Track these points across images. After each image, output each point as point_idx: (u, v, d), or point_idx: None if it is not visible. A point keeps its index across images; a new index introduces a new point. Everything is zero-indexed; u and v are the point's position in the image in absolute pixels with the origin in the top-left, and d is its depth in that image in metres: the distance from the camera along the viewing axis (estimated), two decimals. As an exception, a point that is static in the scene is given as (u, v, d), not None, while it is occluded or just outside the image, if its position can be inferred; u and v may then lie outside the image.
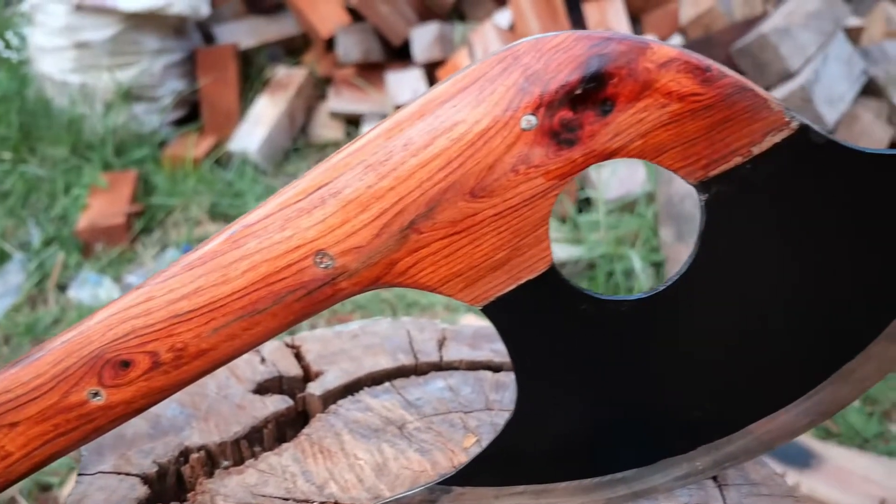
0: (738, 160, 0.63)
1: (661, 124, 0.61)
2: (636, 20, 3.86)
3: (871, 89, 3.38)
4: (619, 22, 3.71)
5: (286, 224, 0.64)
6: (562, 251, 2.89)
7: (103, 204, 3.24)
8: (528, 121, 0.60)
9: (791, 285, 0.68)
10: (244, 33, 4.18)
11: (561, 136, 0.61)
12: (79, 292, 2.87)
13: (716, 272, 0.67)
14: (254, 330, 0.67)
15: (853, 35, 3.53)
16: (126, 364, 0.68)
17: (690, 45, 3.44)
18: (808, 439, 2.25)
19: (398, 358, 0.97)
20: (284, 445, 0.84)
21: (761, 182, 0.63)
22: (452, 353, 0.99)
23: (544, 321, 0.68)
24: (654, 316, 0.68)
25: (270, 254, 0.64)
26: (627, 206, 3.00)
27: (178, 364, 0.68)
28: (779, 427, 0.73)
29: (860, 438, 2.31)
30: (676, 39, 3.60)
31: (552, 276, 0.67)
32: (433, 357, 0.98)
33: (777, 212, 0.65)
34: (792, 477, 2.12)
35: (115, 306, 0.67)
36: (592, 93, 0.60)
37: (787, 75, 3.19)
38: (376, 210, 0.63)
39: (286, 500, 0.77)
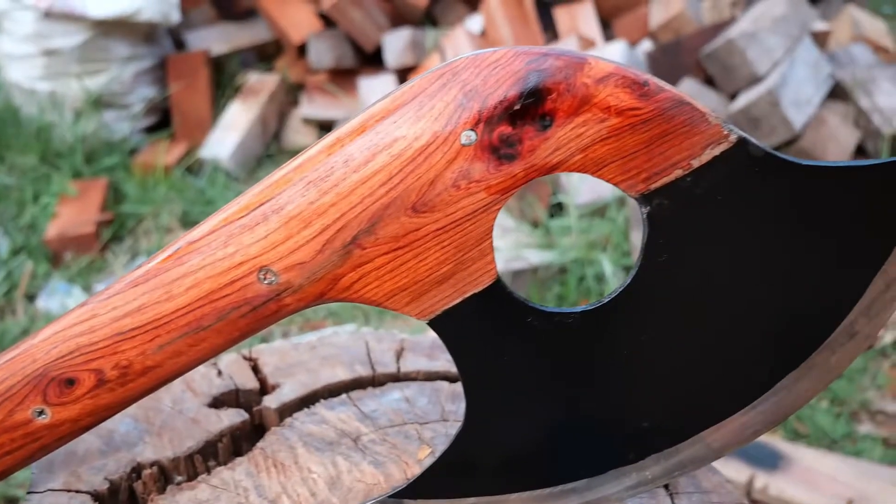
0: (678, 173, 0.63)
1: (600, 139, 0.61)
2: (607, 25, 3.88)
3: (837, 93, 3.41)
4: (590, 27, 3.73)
5: (229, 241, 0.64)
6: (534, 256, 2.90)
7: (73, 212, 3.21)
8: (468, 136, 0.60)
9: (734, 295, 0.68)
10: (215, 39, 4.16)
11: (501, 152, 0.61)
12: (48, 302, 2.85)
13: (659, 283, 0.67)
14: (199, 346, 0.67)
15: (820, 39, 3.57)
16: (71, 382, 0.67)
17: (660, 49, 3.46)
18: (776, 441, 2.27)
19: (355, 369, 0.97)
20: (238, 460, 0.84)
21: (702, 194, 0.64)
22: (410, 364, 0.99)
23: (491, 334, 0.69)
24: (600, 327, 0.69)
25: (214, 270, 0.64)
26: (599, 211, 3.01)
27: (123, 381, 0.68)
28: (726, 435, 0.73)
29: (828, 439, 2.34)
30: (647, 44, 3.63)
31: (497, 290, 0.67)
32: (391, 368, 0.98)
33: (718, 223, 0.65)
34: (760, 479, 2.14)
35: (60, 324, 0.67)
36: (531, 108, 0.60)
37: (755, 79, 3.22)
38: (318, 226, 0.63)
39: (238, 515, 0.76)
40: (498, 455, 0.73)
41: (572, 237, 2.93)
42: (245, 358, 0.99)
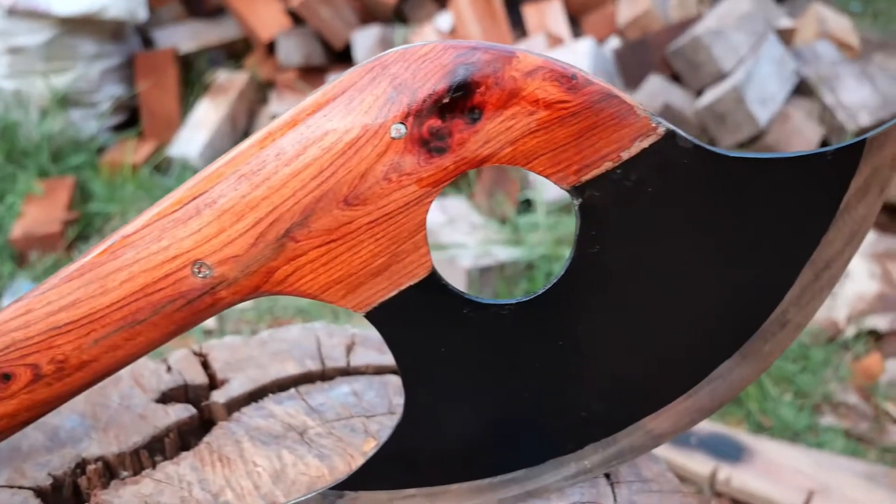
0: (608, 165, 0.64)
1: (529, 131, 0.62)
2: (575, 22, 3.89)
3: (802, 89, 3.45)
4: (558, 24, 3.75)
5: (163, 234, 0.64)
6: (501, 253, 2.91)
7: (38, 212, 3.19)
8: (398, 129, 0.61)
9: (667, 286, 0.69)
10: (184, 37, 4.14)
11: (431, 145, 0.62)
12: (13, 302, 2.82)
13: (592, 274, 0.68)
14: (136, 340, 0.67)
15: (786, 36, 3.60)
16: (7, 377, 0.67)
17: (627, 46, 3.48)
18: (739, 433, 2.30)
19: (305, 364, 0.98)
20: (183, 454, 0.84)
21: (632, 186, 0.65)
22: (360, 358, 0.99)
23: (428, 326, 0.69)
24: (536, 318, 0.70)
25: (148, 264, 0.64)
26: (566, 208, 3.03)
27: (60, 376, 0.68)
28: (663, 424, 0.74)
29: (791, 432, 2.36)
30: (614, 41, 3.65)
31: (433, 282, 0.67)
32: (340, 363, 0.99)
33: (649, 214, 0.66)
34: (724, 471, 2.16)
35: (-6, 320, 0.67)
36: (460, 101, 0.61)
37: (721, 76, 3.24)
38: (251, 219, 0.63)
39: (180, 509, 0.77)
40: (437, 446, 0.74)
41: (540, 233, 2.94)
42: (195, 354, 0.99)
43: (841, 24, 4.05)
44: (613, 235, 0.67)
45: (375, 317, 0.68)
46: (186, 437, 0.89)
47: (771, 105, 3.21)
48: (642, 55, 3.43)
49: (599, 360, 0.72)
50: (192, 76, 4.07)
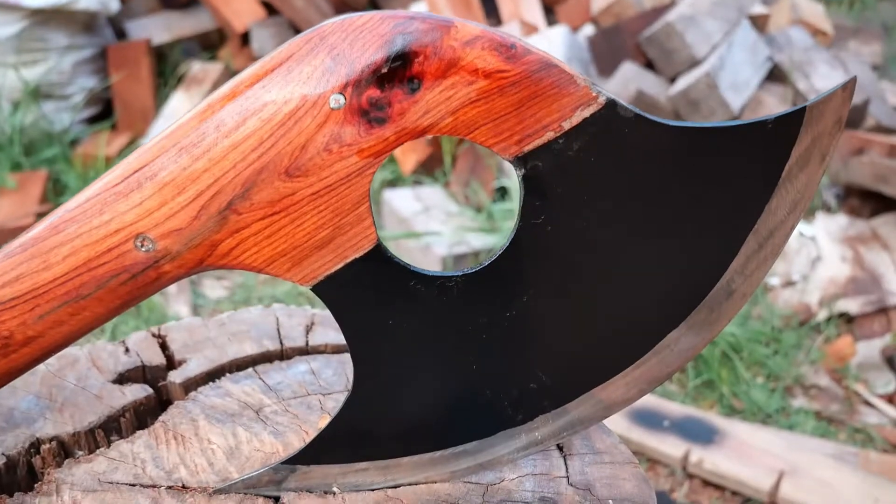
0: (550, 135, 0.65)
1: (469, 101, 0.62)
2: (550, 11, 3.90)
3: (775, 75, 3.47)
4: (533, 13, 3.75)
5: (104, 208, 0.64)
6: (476, 240, 2.91)
7: (11, 205, 3.17)
8: (337, 100, 0.61)
9: (613, 255, 0.70)
10: (157, 28, 4.12)
11: (371, 115, 0.62)
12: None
13: (537, 244, 0.68)
14: (81, 315, 0.67)
15: (759, 22, 3.62)
16: (-48, 354, 0.67)
17: (600, 34, 3.49)
18: (711, 416, 2.31)
19: (263, 344, 0.98)
20: (139, 433, 0.84)
21: (574, 156, 0.65)
22: (319, 337, 1.00)
23: (375, 299, 0.69)
24: (482, 290, 0.70)
25: (90, 238, 0.64)
26: (541, 194, 3.03)
27: (6, 352, 0.68)
28: (613, 394, 0.75)
29: (763, 414, 2.38)
30: (588, 29, 3.65)
31: (379, 254, 0.68)
32: (299, 342, 0.99)
33: (593, 184, 0.67)
34: (696, 453, 2.18)
35: (-61, 296, 0.67)
36: (399, 71, 0.61)
37: (694, 62, 3.26)
38: (193, 192, 0.63)
39: (133, 485, 0.76)
40: (388, 420, 0.74)
41: (515, 221, 2.94)
42: (154, 335, 0.99)
43: (814, 11, 4.07)
44: (557, 206, 0.67)
45: (322, 290, 0.69)
46: (143, 417, 0.89)
47: (744, 91, 3.23)
48: (616, 42, 3.44)
49: (547, 331, 0.72)
50: (165, 68, 4.05)
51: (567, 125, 0.64)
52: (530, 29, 3.64)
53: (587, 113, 0.64)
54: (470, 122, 0.63)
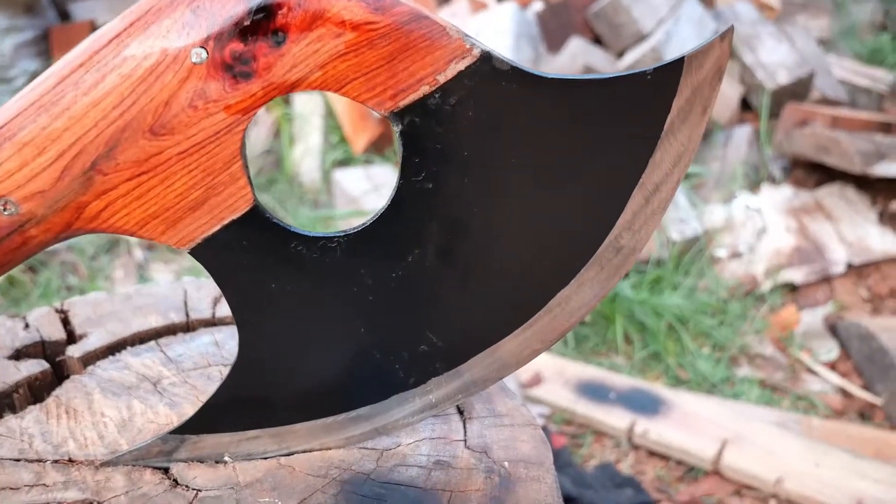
0: (425, 89, 0.63)
1: (338, 55, 0.61)
2: (499, -13, 3.88)
3: (722, 49, 3.47)
4: (482, -11, 3.73)
5: (-37, 171, 0.62)
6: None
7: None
8: (198, 54, 0.59)
9: (496, 212, 0.69)
10: (102, 10, 4.03)
11: (235, 69, 0.60)
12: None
13: (419, 202, 0.67)
14: (-53, 284, 0.65)
15: (706, -3, 3.63)
16: None
17: (549, 10, 3.48)
18: (657, 388, 2.33)
19: (169, 317, 0.96)
20: (29, 408, 0.82)
21: (452, 110, 0.64)
22: (227, 309, 0.98)
23: (255, 262, 0.68)
24: (366, 250, 0.69)
25: (-51, 203, 0.62)
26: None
27: None
28: (505, 356, 0.74)
29: (708, 384, 2.40)
30: (537, 5, 3.64)
31: (257, 215, 0.66)
32: (206, 314, 0.97)
33: (472, 139, 0.66)
34: (641, 424, 2.19)
35: None
36: (262, 24, 0.59)
37: (641, 37, 3.26)
38: (54, 152, 0.61)
39: (18, 460, 0.75)
40: (278, 385, 0.73)
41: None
42: (56, 310, 0.97)
43: (762, -15, 4.09)
44: (437, 162, 0.66)
45: (200, 254, 0.67)
46: (39, 392, 0.87)
47: (690, 65, 3.23)
48: (564, 18, 3.43)
49: (435, 292, 0.71)
50: (111, 50, 3.98)
51: (442, 79, 0.63)
52: (479, 6, 3.62)
53: (462, 66, 0.63)
54: (340, 77, 0.62)
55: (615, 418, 2.24)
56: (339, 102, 3.52)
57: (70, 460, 0.75)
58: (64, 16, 4.03)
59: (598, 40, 3.40)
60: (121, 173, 0.62)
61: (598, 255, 0.71)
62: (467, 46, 0.63)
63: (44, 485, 0.71)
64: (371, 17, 0.60)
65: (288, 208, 3.24)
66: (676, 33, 3.25)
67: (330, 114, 3.61)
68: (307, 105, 3.61)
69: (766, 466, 2.06)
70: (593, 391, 2.32)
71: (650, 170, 0.69)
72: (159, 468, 0.74)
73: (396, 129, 0.65)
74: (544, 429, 2.13)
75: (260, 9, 0.59)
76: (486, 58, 0.63)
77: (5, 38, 3.59)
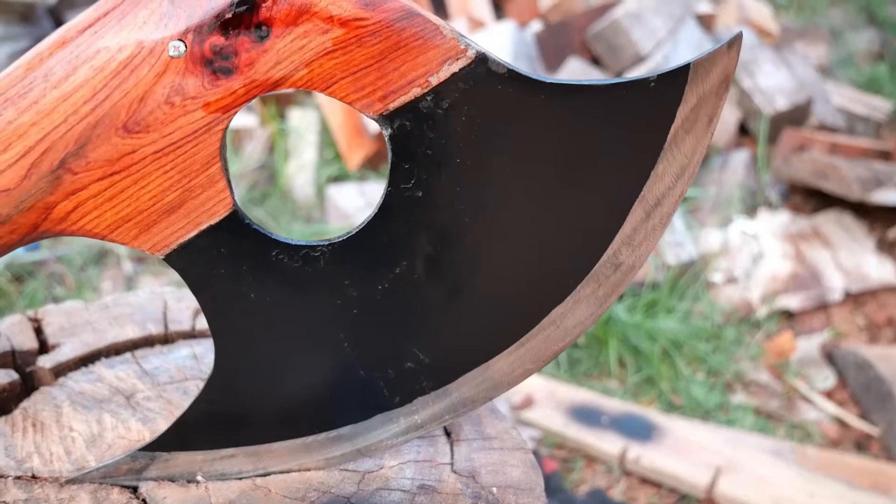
0: (416, 91, 0.60)
1: (325, 52, 0.58)
2: (498, 7, 3.87)
3: (721, 73, 3.46)
4: (481, 8, 3.71)
5: (-76, 166, 0.58)
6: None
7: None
8: (176, 47, 0.56)
9: (490, 224, 0.65)
10: (98, 21, 4.01)
11: (215, 65, 0.57)
12: None
13: (408, 211, 0.64)
14: None
15: (706, 22, 3.62)
16: None
17: (547, 30, 3.46)
18: (650, 413, 2.29)
19: (147, 328, 0.92)
20: (-5, 421, 0.78)
21: (445, 114, 0.61)
22: (207, 321, 0.94)
23: (234, 271, 0.64)
24: (350, 261, 0.65)
25: None
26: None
27: None
28: (496, 376, 0.70)
29: (702, 410, 2.36)
30: (536, 25, 3.63)
31: (236, 221, 0.63)
32: (185, 326, 0.93)
33: (466, 145, 0.62)
34: (633, 450, 2.15)
35: None
36: (245, 17, 0.56)
37: (639, 59, 3.24)
38: (20, 148, 0.57)
39: (-22, 476, 0.71)
40: (255, 401, 0.69)
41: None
42: (30, 319, 0.93)
43: (761, 12, 4.08)
44: (428, 169, 0.62)
45: (175, 260, 0.63)
46: (7, 403, 0.82)
47: (688, 88, 3.22)
48: (563, 38, 3.41)
49: (423, 306, 0.67)
50: (106, 60, 3.95)
51: (435, 81, 0.60)
52: (477, 24, 3.61)
53: (456, 67, 0.60)
54: (327, 76, 0.58)
55: (607, 443, 2.19)
56: (335, 118, 3.49)
57: (34, 476, 0.71)
58: (60, 25, 4.00)
59: (596, 61, 3.38)
60: (92, 173, 0.59)
61: (595, 271, 0.68)
62: (462, 47, 0.59)
63: (3, 502, 0.67)
64: (360, 13, 0.57)
65: (281, 223, 3.20)
66: (675, 56, 3.24)
67: (325, 130, 3.59)
68: (302, 121, 3.58)
69: (760, 495, 2.02)
70: (585, 415, 2.28)
71: (652, 182, 0.65)
72: (128, 487, 0.70)
73: (386, 134, 0.61)
74: (535, 453, 2.09)
75: (242, 1, 0.56)
76: (482, 60, 0.60)
77: (1, 47, 3.56)
